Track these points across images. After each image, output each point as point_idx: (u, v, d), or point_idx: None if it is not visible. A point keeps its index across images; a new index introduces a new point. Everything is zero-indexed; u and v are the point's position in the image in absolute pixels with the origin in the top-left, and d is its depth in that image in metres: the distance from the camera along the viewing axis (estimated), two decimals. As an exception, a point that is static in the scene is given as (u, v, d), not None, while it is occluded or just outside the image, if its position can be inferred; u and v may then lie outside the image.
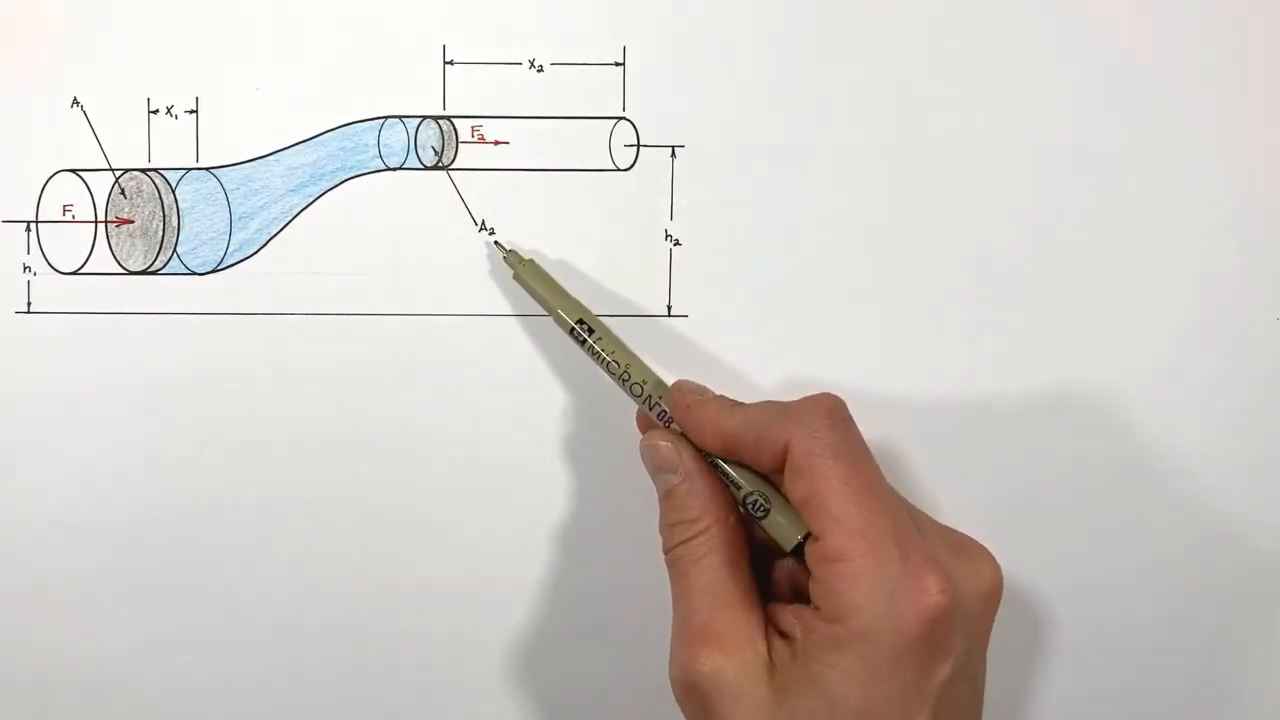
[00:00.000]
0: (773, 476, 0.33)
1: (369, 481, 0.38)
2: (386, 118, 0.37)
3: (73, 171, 0.37)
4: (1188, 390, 0.38)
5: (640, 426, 0.36)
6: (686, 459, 0.33)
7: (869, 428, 0.32)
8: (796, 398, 0.32)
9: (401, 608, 0.38)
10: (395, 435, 0.38)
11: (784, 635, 0.31)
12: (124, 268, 0.37)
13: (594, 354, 0.35)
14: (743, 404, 0.33)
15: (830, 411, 0.31)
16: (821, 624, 0.30)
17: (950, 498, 0.38)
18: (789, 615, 0.31)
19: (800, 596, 0.32)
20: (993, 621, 0.32)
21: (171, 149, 0.37)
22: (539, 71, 0.37)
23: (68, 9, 0.37)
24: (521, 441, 0.38)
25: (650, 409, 0.34)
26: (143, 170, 0.37)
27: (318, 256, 0.37)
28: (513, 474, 0.38)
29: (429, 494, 0.38)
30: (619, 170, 0.37)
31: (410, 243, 0.37)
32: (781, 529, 0.32)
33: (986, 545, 0.32)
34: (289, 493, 0.38)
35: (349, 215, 0.37)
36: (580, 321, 0.35)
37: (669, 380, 0.35)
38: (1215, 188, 0.38)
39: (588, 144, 0.37)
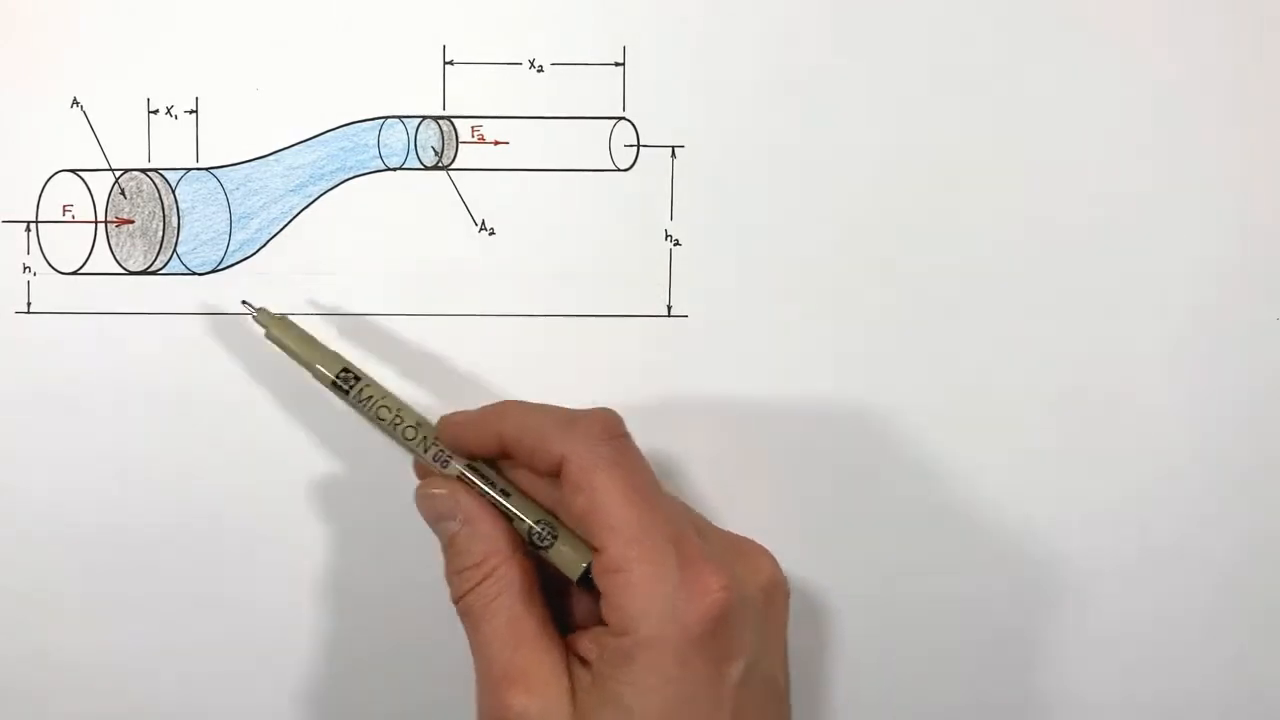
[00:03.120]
0: (550, 483, 0.33)
1: (369, 482, 0.38)
2: (386, 118, 0.37)
3: (73, 171, 0.37)
4: (1188, 390, 0.38)
5: (419, 476, 0.35)
6: (464, 501, 0.33)
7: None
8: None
9: (404, 609, 0.38)
10: (395, 435, 0.38)
11: (584, 661, 0.31)
12: (124, 268, 0.37)
13: (359, 404, 0.34)
14: (521, 405, 0.33)
15: (607, 427, 0.32)
16: (612, 639, 0.30)
17: (950, 496, 0.38)
18: (586, 640, 0.31)
19: (601, 622, 0.32)
20: (784, 621, 0.32)
21: (171, 149, 0.37)
22: (539, 71, 0.37)
23: (68, 9, 0.37)
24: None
25: (425, 451, 0.34)
26: (143, 170, 0.37)
27: (318, 256, 0.37)
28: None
29: (429, 494, 0.38)
30: (619, 170, 0.37)
31: (410, 243, 0.37)
32: (567, 559, 0.32)
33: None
34: (289, 493, 0.38)
35: (349, 215, 0.37)
36: (345, 371, 0.35)
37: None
38: (1216, 188, 0.38)
39: (588, 144, 0.37)
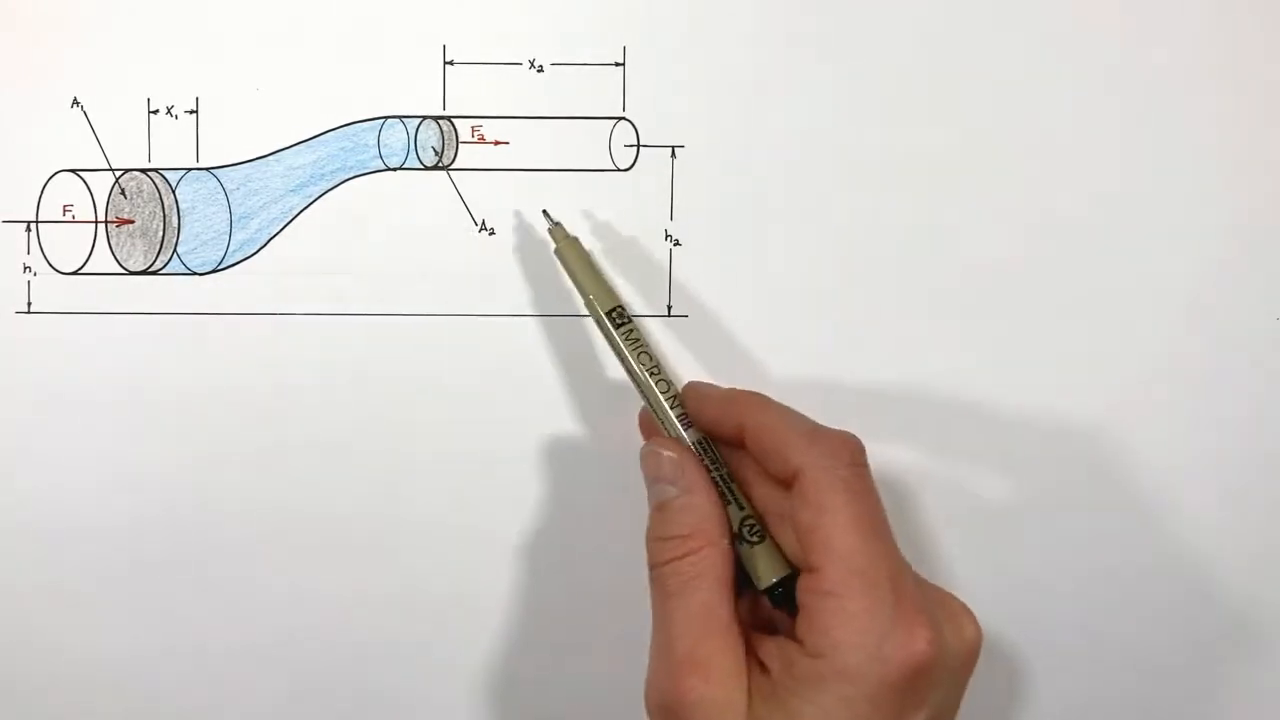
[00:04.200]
0: (772, 486, 0.33)
1: (369, 482, 0.38)
2: (386, 118, 0.37)
3: (73, 171, 0.37)
4: (1186, 390, 0.38)
5: (644, 432, 0.36)
6: (690, 472, 0.33)
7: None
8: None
9: (403, 611, 0.38)
10: (395, 435, 0.38)
11: (763, 667, 0.31)
12: (124, 268, 0.37)
13: (620, 347, 0.34)
14: (767, 403, 0.33)
15: (851, 451, 0.31)
16: (804, 659, 0.30)
17: (943, 497, 0.38)
18: (770, 646, 0.31)
19: (765, 629, 0.32)
20: (968, 681, 0.32)
21: (171, 149, 0.37)
22: (539, 71, 0.37)
23: (68, 9, 0.37)
24: (522, 443, 0.38)
25: (671, 409, 0.34)
26: (143, 170, 0.37)
27: (318, 256, 0.37)
28: (514, 476, 0.38)
29: (428, 495, 0.38)
30: (619, 170, 0.37)
31: (410, 243, 0.37)
32: (764, 565, 0.32)
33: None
34: (288, 493, 0.38)
35: (349, 215, 0.37)
36: (616, 309, 0.35)
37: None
38: (1215, 187, 0.38)
39: (588, 144, 0.37)
